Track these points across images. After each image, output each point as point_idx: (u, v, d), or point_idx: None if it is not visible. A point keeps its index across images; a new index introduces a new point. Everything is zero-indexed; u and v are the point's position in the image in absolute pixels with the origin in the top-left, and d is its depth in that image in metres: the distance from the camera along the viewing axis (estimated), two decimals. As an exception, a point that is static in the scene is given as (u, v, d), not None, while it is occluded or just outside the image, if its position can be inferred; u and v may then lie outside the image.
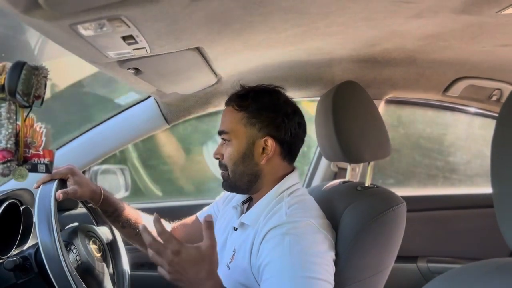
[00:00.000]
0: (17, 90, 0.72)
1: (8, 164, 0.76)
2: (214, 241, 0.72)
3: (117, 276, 1.07)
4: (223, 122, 0.93)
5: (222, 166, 0.93)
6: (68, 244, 0.92)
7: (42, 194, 0.85)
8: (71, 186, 0.91)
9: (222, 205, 1.08)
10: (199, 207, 1.22)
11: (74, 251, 0.91)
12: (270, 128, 0.88)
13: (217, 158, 0.94)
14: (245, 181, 0.91)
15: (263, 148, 0.88)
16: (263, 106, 0.89)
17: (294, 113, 0.92)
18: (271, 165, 0.90)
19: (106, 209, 1.01)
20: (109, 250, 1.08)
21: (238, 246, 0.88)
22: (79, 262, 0.90)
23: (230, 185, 0.93)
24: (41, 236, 0.79)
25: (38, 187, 0.88)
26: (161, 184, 2.38)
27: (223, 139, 0.93)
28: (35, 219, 0.82)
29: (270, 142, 0.88)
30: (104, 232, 1.07)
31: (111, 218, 1.03)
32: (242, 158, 0.89)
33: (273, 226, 0.80)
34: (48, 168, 0.82)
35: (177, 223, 1.17)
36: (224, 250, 0.95)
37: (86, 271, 0.90)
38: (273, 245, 0.77)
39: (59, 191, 0.87)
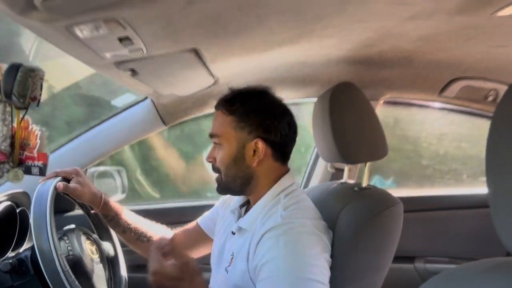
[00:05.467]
0: (13, 92, 0.72)
1: (1, 166, 0.76)
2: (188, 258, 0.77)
3: (114, 273, 1.07)
4: (214, 125, 0.93)
5: (215, 169, 0.94)
6: (62, 236, 0.92)
7: (40, 191, 0.85)
8: (73, 184, 0.94)
9: (221, 209, 1.08)
10: (198, 208, 1.22)
11: (67, 241, 0.91)
12: (259, 130, 0.88)
13: (209, 162, 0.95)
14: (238, 184, 0.91)
15: (254, 151, 0.88)
16: (251, 109, 0.89)
17: (283, 114, 0.91)
18: (264, 167, 0.90)
19: (107, 214, 1.02)
20: (109, 261, 1.08)
21: (237, 250, 0.88)
22: (71, 253, 0.90)
23: (223, 188, 0.93)
24: (35, 231, 0.78)
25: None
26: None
27: (214, 142, 0.93)
28: (31, 215, 0.81)
29: (261, 145, 0.88)
30: (106, 247, 1.07)
31: (112, 223, 1.04)
32: (233, 161, 0.89)
33: (269, 228, 0.80)
34: (42, 171, 0.82)
35: (178, 230, 1.17)
36: (223, 254, 0.95)
37: (76, 264, 0.90)
38: (268, 246, 0.78)
39: (61, 182, 0.89)
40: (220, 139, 0.91)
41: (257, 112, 0.89)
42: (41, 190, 0.86)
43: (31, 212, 0.81)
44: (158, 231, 1.11)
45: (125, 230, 1.04)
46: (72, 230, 0.97)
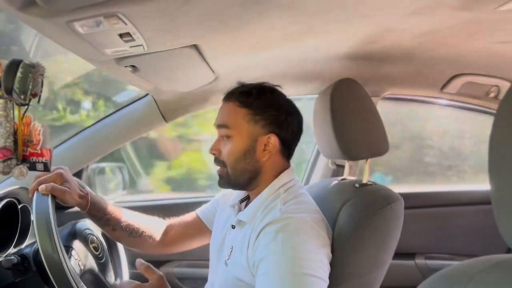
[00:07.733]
0: (14, 88, 0.71)
1: (8, 162, 0.76)
2: (158, 275, 0.81)
3: (114, 267, 1.08)
4: (223, 116, 0.92)
5: (219, 162, 0.92)
6: (68, 249, 0.91)
7: (38, 201, 0.82)
8: (61, 192, 0.88)
9: (221, 202, 1.09)
10: (196, 204, 1.22)
11: (76, 256, 0.90)
12: (273, 125, 0.89)
13: (213, 154, 0.93)
14: (246, 178, 0.91)
15: (265, 145, 0.89)
16: (267, 104, 0.90)
17: (295, 111, 0.93)
18: (271, 162, 0.91)
19: (94, 214, 0.99)
20: (106, 241, 1.08)
21: (235, 243, 0.89)
22: (82, 267, 0.90)
23: (228, 182, 0.92)
24: (42, 246, 0.76)
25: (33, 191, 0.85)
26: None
27: (221, 133, 0.92)
28: (33, 219, 0.79)
29: (273, 139, 0.89)
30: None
31: (100, 223, 1.01)
32: (244, 154, 0.89)
33: (268, 222, 0.80)
34: (47, 167, 0.81)
35: (173, 220, 1.15)
36: (222, 248, 0.96)
37: (89, 275, 0.90)
38: (267, 241, 0.78)
39: (50, 184, 0.85)
40: (230, 131, 0.89)
41: (273, 107, 0.90)
42: (39, 198, 0.83)
43: (34, 220, 0.78)
44: (150, 224, 1.10)
45: (115, 228, 1.02)
46: (74, 237, 0.96)
